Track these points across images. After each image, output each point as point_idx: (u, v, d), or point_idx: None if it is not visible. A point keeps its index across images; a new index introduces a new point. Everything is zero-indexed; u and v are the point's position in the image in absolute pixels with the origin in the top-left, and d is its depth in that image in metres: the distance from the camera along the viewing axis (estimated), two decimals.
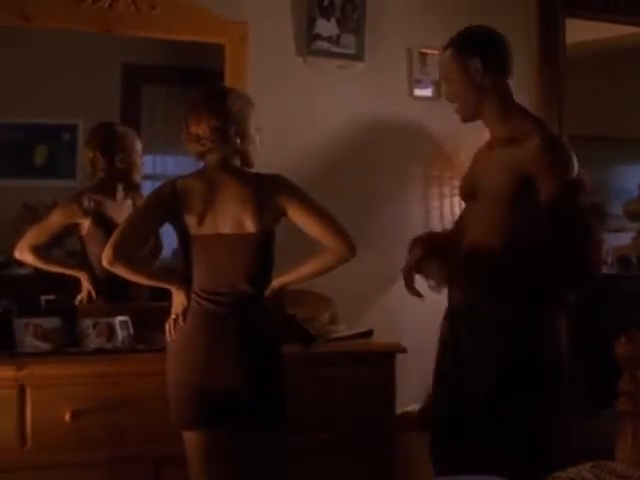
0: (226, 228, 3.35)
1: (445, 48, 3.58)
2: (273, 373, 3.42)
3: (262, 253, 3.41)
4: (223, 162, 3.41)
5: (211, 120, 3.37)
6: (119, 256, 3.26)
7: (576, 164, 3.41)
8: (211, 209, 3.35)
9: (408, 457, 4.19)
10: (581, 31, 5.62)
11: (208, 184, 3.38)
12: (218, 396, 3.30)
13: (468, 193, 3.62)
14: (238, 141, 3.41)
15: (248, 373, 3.35)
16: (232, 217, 3.35)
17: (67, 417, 3.45)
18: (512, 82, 3.57)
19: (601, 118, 7.23)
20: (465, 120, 3.58)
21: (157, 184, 4.41)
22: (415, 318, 4.51)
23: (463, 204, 3.79)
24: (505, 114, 3.49)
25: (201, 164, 3.50)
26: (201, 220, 3.34)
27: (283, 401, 3.45)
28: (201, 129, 3.38)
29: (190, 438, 3.34)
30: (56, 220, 4.08)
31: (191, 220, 3.34)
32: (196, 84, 3.99)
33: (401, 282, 4.68)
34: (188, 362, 3.32)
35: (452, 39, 3.57)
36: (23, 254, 4.00)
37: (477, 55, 3.46)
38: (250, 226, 3.35)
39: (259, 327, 3.41)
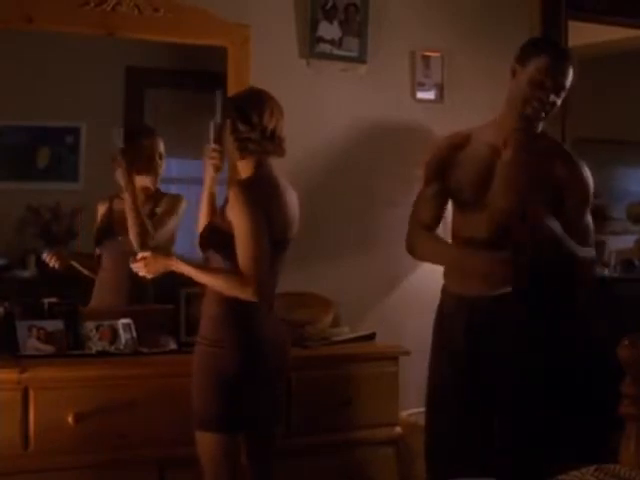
0: (285, 233, 3.36)
1: (563, 60, 3.62)
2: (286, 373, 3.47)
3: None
4: (271, 165, 3.42)
5: (279, 119, 3.42)
6: (262, 292, 3.24)
7: None
8: (280, 215, 3.34)
9: (411, 459, 4.18)
10: (584, 34, 5.62)
11: (276, 189, 3.37)
12: (259, 399, 3.31)
13: (470, 199, 3.61)
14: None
15: (282, 376, 3.42)
16: (290, 224, 3.39)
17: (70, 420, 3.45)
18: None
19: (604, 121, 7.23)
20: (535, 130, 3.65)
21: (160, 187, 4.43)
22: (418, 321, 4.51)
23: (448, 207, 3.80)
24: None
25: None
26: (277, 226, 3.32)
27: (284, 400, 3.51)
28: (272, 123, 3.37)
29: (211, 440, 3.27)
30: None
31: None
32: (199, 87, 4.00)
33: (403, 285, 4.70)
34: (237, 363, 3.26)
35: (565, 50, 3.76)
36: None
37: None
38: (293, 232, 3.40)
39: (285, 329, 3.46)
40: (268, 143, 3.36)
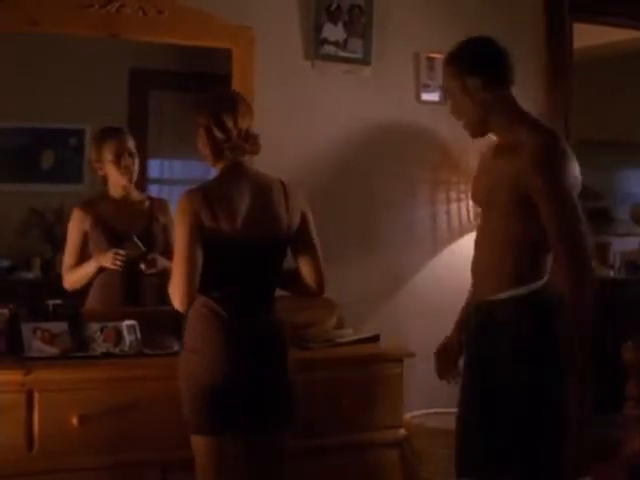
0: (258, 232, 3.32)
1: (445, 64, 3.49)
2: (286, 374, 3.42)
3: (282, 257, 3.43)
4: (245, 164, 3.40)
5: (251, 118, 3.40)
6: (183, 305, 3.28)
7: (572, 173, 3.28)
8: (234, 219, 3.29)
9: (415, 461, 4.18)
10: (588, 36, 5.62)
11: (229, 193, 3.33)
12: (240, 400, 3.28)
13: (482, 200, 3.57)
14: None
15: (269, 376, 3.36)
16: (266, 221, 3.35)
17: (74, 421, 3.45)
18: (516, 89, 3.49)
19: (608, 122, 7.23)
20: (474, 136, 3.49)
21: (164, 188, 4.45)
22: (422, 323, 4.51)
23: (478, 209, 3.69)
24: (511, 124, 3.40)
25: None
26: (235, 223, 3.29)
27: (293, 400, 3.46)
28: (245, 123, 3.35)
29: (204, 443, 3.29)
30: (73, 232, 4.09)
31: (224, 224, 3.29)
32: (203, 89, 3.99)
33: (407, 287, 4.71)
34: (210, 369, 3.27)
35: (451, 55, 3.46)
36: (70, 283, 4.07)
37: (476, 73, 3.36)
38: (278, 232, 3.36)
39: (274, 330, 3.41)
40: (244, 144, 3.35)
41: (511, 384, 3.33)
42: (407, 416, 4.24)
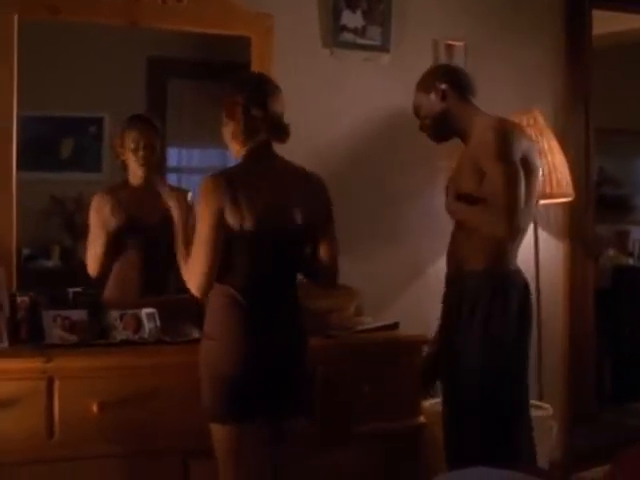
0: (279, 220, 3.32)
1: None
2: (304, 362, 3.43)
3: (302, 246, 3.43)
4: (271, 150, 3.40)
5: (283, 105, 3.41)
6: (200, 290, 3.28)
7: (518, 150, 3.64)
8: (257, 205, 3.27)
9: (434, 449, 4.18)
10: (607, 23, 5.59)
11: (252, 178, 3.32)
12: (259, 388, 3.29)
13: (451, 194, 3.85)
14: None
15: (287, 364, 3.36)
16: (287, 209, 3.34)
17: (94, 409, 3.46)
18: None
19: (628, 110, 7.19)
20: (435, 140, 3.99)
21: (182, 177, 4.46)
22: (440, 310, 4.50)
23: None
24: (471, 120, 3.80)
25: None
26: (257, 210, 3.27)
27: (311, 388, 3.50)
28: (280, 109, 3.37)
29: (222, 431, 3.29)
30: (94, 219, 4.10)
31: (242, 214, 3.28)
32: (222, 77, 4.00)
33: (426, 275, 4.71)
34: (230, 356, 3.27)
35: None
36: (96, 272, 4.07)
37: (438, 82, 3.86)
38: (299, 219, 3.36)
39: (293, 317, 3.41)
40: (277, 128, 3.35)
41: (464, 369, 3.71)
42: (426, 403, 4.24)
